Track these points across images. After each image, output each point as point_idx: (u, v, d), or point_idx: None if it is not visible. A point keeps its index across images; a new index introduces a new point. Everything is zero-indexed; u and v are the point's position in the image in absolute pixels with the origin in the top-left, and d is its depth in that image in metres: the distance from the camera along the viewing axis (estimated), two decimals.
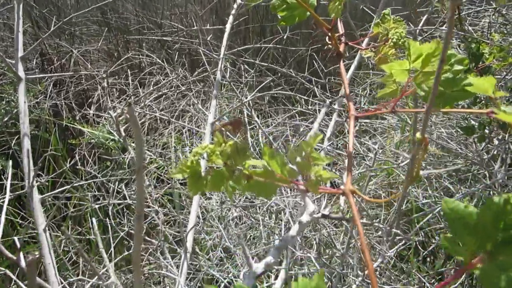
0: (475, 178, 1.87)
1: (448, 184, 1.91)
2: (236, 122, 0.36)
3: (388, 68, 0.40)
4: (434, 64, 0.39)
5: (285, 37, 1.70)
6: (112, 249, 1.28)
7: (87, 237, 1.95)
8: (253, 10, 2.99)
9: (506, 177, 1.49)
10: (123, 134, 1.14)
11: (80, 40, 3.18)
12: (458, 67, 0.40)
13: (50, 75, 2.64)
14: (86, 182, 1.60)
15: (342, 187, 0.49)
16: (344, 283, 1.21)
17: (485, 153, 1.77)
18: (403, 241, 1.02)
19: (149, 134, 2.45)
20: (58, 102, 2.67)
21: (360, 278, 0.93)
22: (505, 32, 1.80)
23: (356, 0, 2.01)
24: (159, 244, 1.50)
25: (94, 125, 2.55)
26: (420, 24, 1.20)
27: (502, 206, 0.32)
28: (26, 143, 0.78)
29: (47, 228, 0.79)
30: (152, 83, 2.58)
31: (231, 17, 1.11)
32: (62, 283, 0.78)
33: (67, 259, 1.85)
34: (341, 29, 0.60)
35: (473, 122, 1.61)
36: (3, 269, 0.73)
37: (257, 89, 1.60)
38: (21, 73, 0.85)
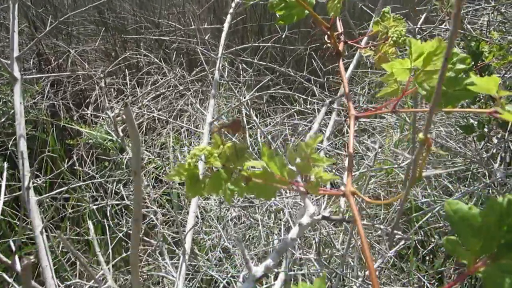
0: (474, 176, 1.86)
1: (447, 183, 1.90)
2: (235, 124, 0.35)
3: (389, 67, 0.40)
4: (435, 63, 0.38)
5: (283, 36, 1.69)
6: (110, 250, 1.27)
7: (86, 237, 1.94)
8: (251, 9, 2.99)
9: (505, 176, 1.49)
10: (121, 134, 1.13)
11: (77, 40, 3.17)
12: (460, 66, 0.39)
13: (47, 75, 2.63)
14: (84, 183, 1.59)
15: (342, 188, 0.48)
16: (344, 283, 1.21)
17: (484, 152, 1.76)
18: (400, 238, 1.01)
19: (147, 134, 2.44)
20: (55, 102, 2.65)
21: (360, 279, 0.92)
22: (504, 30, 1.79)
23: None
24: (158, 244, 1.49)
25: (92, 125, 2.54)
26: (419, 23, 1.19)
27: (506, 208, 0.31)
28: (22, 145, 0.77)
29: (44, 230, 0.79)
30: (150, 83, 2.57)
31: (229, 16, 1.11)
32: (59, 286, 0.77)
33: (66, 260, 1.84)
34: (340, 27, 0.59)
35: (472, 121, 1.61)
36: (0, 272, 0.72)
37: (256, 88, 1.59)
38: (17, 73, 0.84)
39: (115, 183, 1.83)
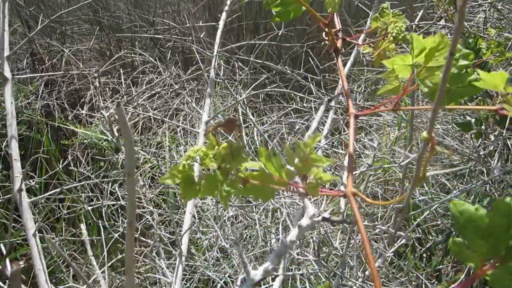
0: (472, 174, 1.86)
1: (444, 180, 1.89)
2: (230, 122, 0.34)
3: (390, 63, 0.38)
4: (438, 59, 0.37)
5: (279, 34, 1.68)
6: (105, 252, 1.26)
7: (82, 238, 1.92)
8: (246, 7, 2.97)
9: (503, 173, 1.48)
10: (116, 134, 1.12)
11: (71, 40, 3.14)
12: (463, 62, 0.38)
13: (39, 74, 2.60)
14: (79, 184, 1.57)
15: (342, 188, 0.47)
16: (342, 282, 1.20)
17: (481, 149, 1.76)
18: (402, 240, 1.00)
19: (143, 133, 2.43)
20: (50, 102, 2.63)
21: (360, 280, 0.91)
22: (501, 27, 1.79)
23: None
24: (154, 245, 1.48)
25: (87, 125, 2.52)
26: (417, 19, 1.18)
27: None
28: (14, 146, 0.76)
29: (39, 231, 0.77)
30: (145, 82, 2.55)
31: (224, 14, 1.09)
32: None
33: (62, 261, 1.82)
34: (338, 24, 0.58)
35: (469, 118, 1.60)
36: None
37: (252, 86, 1.57)
38: (8, 73, 0.83)
39: (110, 184, 1.82)
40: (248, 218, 1.68)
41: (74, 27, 3.22)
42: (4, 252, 0.59)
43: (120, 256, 1.56)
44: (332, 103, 0.83)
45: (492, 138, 1.76)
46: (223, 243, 1.54)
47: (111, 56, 2.83)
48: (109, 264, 1.39)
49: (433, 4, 1.65)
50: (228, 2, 1.17)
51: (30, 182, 1.65)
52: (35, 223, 0.78)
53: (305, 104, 2.03)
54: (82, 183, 1.73)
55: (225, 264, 1.60)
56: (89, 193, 1.95)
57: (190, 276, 1.61)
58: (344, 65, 1.07)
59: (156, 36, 2.59)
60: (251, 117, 1.58)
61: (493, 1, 1.65)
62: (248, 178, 0.34)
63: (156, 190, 2.02)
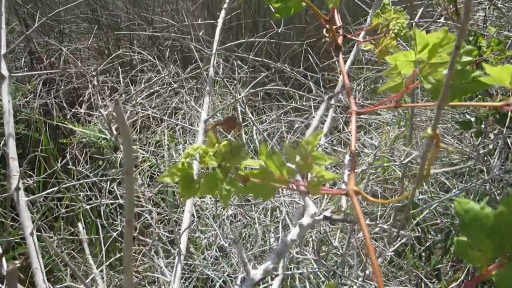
0: (471, 173, 1.85)
1: (444, 179, 1.89)
2: (230, 120, 0.33)
3: (393, 59, 0.38)
4: (441, 55, 0.36)
5: (278, 32, 1.67)
6: (103, 251, 1.25)
7: (80, 237, 1.92)
8: (245, 5, 2.96)
9: (504, 172, 1.48)
10: (115, 132, 1.11)
11: (69, 38, 3.13)
12: (466, 58, 0.37)
13: (37, 72, 2.59)
14: (77, 182, 1.56)
15: (343, 186, 0.46)
16: (341, 281, 1.19)
17: (481, 148, 1.75)
18: (404, 239, 1.00)
19: (141, 132, 2.42)
20: (48, 101, 2.62)
21: (360, 279, 0.91)
22: (501, 25, 1.78)
23: None
24: (153, 244, 1.47)
25: (85, 124, 2.51)
26: (417, 17, 1.17)
27: None
28: (12, 144, 0.75)
29: (37, 230, 0.76)
30: (143, 81, 2.54)
31: (223, 12, 1.08)
32: None
33: (60, 260, 1.81)
34: (338, 21, 0.57)
35: (468, 117, 1.60)
36: None
37: (251, 85, 1.57)
38: (4, 71, 0.82)
39: (109, 182, 1.81)
40: (247, 217, 1.67)
41: (72, 25, 3.20)
42: (1, 251, 0.58)
43: (118, 255, 1.56)
44: (332, 101, 0.82)
45: (492, 136, 1.76)
46: (222, 242, 1.54)
47: (110, 55, 2.82)
48: (107, 263, 1.38)
49: (431, 3, 1.65)
50: (227, 0, 1.17)
51: (28, 181, 1.65)
52: (32, 222, 0.77)
53: (304, 103, 2.03)
54: (81, 181, 1.73)
55: (224, 263, 1.59)
56: (87, 192, 1.94)
57: (189, 275, 1.60)
58: (344, 63, 1.06)
59: (154, 34, 2.58)
60: (250, 115, 1.57)
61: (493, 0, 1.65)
62: (248, 176, 0.34)
63: (155, 189, 2.01)
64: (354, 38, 0.56)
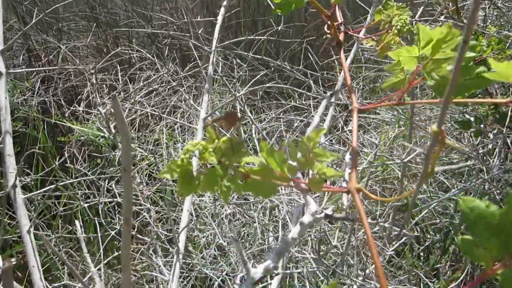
0: (471, 172, 1.85)
1: (443, 179, 1.89)
2: (231, 116, 0.33)
3: (396, 54, 0.37)
4: (445, 51, 0.36)
5: (278, 31, 1.66)
6: (101, 250, 1.24)
7: (78, 236, 1.91)
8: (244, 4, 2.95)
9: (504, 171, 1.47)
10: (113, 130, 1.10)
11: (68, 36, 3.12)
12: (470, 54, 0.37)
13: (34, 69, 2.58)
14: (74, 180, 1.56)
15: (344, 184, 0.46)
16: (340, 280, 1.19)
17: (480, 148, 1.75)
18: (403, 239, 0.99)
19: (140, 130, 2.41)
20: (46, 99, 2.61)
21: (360, 278, 0.90)
22: (501, 24, 1.78)
23: None
24: (151, 242, 1.47)
25: (83, 122, 2.50)
26: (417, 16, 1.17)
27: None
28: (8, 141, 0.74)
29: (34, 228, 0.76)
30: (142, 79, 2.53)
31: (222, 9, 1.08)
32: (48, 287, 0.74)
33: (57, 258, 1.81)
34: (340, 18, 0.57)
35: (468, 117, 1.60)
36: None
37: (250, 83, 1.56)
38: (1, 67, 0.81)
39: (107, 181, 1.80)
40: (246, 216, 1.66)
41: (70, 23, 3.19)
42: None
43: (116, 253, 1.55)
44: (332, 100, 0.81)
45: (491, 136, 1.75)
46: (221, 241, 1.53)
47: (108, 53, 2.81)
48: (105, 262, 1.37)
49: (432, 2, 1.64)
50: None
51: (25, 179, 1.64)
52: (30, 220, 0.77)
53: (303, 102, 2.02)
54: (78, 179, 1.72)
55: (222, 262, 1.58)
56: (85, 190, 1.93)
57: (187, 274, 1.59)
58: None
59: (153, 30, 2.57)
60: (249, 114, 1.57)
61: None
62: (248, 173, 0.33)
63: (153, 187, 2.00)
64: (355, 34, 0.55)
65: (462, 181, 1.83)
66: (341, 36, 0.52)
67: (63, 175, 2.12)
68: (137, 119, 2.44)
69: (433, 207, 1.70)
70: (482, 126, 1.55)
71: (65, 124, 2.45)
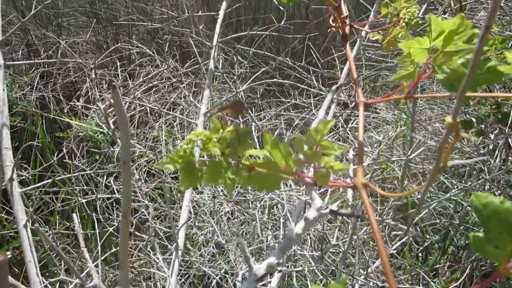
0: (471, 172, 1.84)
1: (443, 179, 1.88)
2: (237, 105, 0.31)
3: (406, 46, 0.36)
4: (457, 43, 0.34)
5: (278, 28, 1.65)
6: (99, 247, 1.23)
7: (74, 231, 1.89)
8: (245, 1, 2.94)
9: (506, 171, 1.47)
10: (112, 126, 1.09)
11: (68, 32, 3.10)
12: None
13: (33, 61, 2.56)
14: (72, 175, 1.54)
15: (348, 180, 0.45)
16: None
17: (481, 148, 1.74)
18: (406, 238, 0.98)
19: (139, 127, 2.40)
20: (45, 94, 2.59)
21: (362, 277, 0.89)
22: (503, 24, 1.77)
23: None
24: (149, 239, 1.45)
25: (82, 118, 2.48)
26: (420, 13, 1.16)
27: None
28: (5, 134, 0.73)
29: (31, 224, 0.74)
30: (142, 75, 2.52)
31: (224, 4, 1.07)
32: (44, 282, 0.73)
33: (55, 254, 1.79)
34: (345, 11, 0.56)
35: (469, 116, 1.59)
36: None
37: (251, 79, 1.55)
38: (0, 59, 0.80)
39: (105, 177, 1.79)
40: (245, 214, 1.65)
41: (70, 19, 3.18)
42: None
43: (114, 249, 1.54)
44: (335, 96, 0.80)
45: (492, 136, 1.75)
46: (220, 238, 1.52)
47: (108, 49, 2.80)
48: (102, 258, 1.36)
49: (433, 1, 1.64)
50: None
51: (23, 174, 1.62)
52: (27, 214, 0.75)
53: (304, 100, 2.01)
54: (75, 174, 1.71)
55: (221, 260, 1.57)
56: (83, 186, 1.92)
57: (185, 272, 1.58)
58: (346, 60, 1.04)
59: (153, 25, 2.55)
60: (249, 112, 1.55)
61: None
62: (253, 166, 0.32)
63: (152, 184, 1.99)
64: (360, 28, 0.54)
65: (462, 182, 1.82)
66: (347, 29, 0.51)
67: (61, 171, 2.11)
68: (136, 116, 2.42)
69: (432, 207, 1.69)
70: (483, 126, 1.54)
71: (63, 119, 2.43)
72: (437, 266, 1.77)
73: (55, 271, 1.77)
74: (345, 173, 0.54)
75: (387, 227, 1.27)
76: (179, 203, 1.81)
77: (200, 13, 1.90)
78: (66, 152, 2.18)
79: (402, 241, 0.99)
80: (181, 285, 1.54)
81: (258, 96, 2.51)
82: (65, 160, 2.05)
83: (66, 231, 1.93)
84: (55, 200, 1.97)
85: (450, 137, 0.28)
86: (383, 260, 0.31)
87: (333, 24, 0.52)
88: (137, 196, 1.68)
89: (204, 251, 1.61)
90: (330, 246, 1.30)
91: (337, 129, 2.08)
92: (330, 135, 1.95)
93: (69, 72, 2.76)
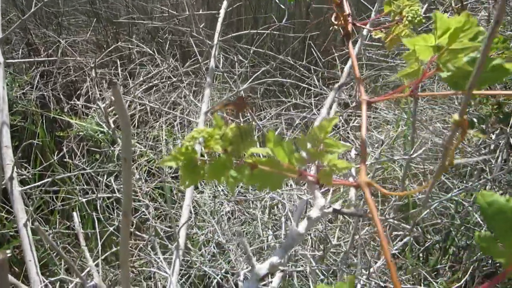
0: (471, 173, 1.84)
1: (444, 179, 1.87)
2: (240, 102, 0.31)
3: (411, 43, 0.35)
4: (462, 40, 0.34)
5: (279, 27, 1.65)
6: (99, 246, 1.23)
7: (75, 230, 1.89)
8: (246, 1, 2.94)
9: (508, 171, 1.46)
10: (112, 125, 1.08)
11: (68, 31, 3.10)
12: None
13: (32, 59, 2.56)
14: (72, 174, 1.54)
15: (350, 179, 0.44)
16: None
17: (482, 148, 1.74)
18: (407, 238, 0.98)
19: (139, 127, 2.39)
20: (45, 93, 2.59)
21: (364, 277, 0.89)
22: (504, 24, 1.77)
23: None
24: (150, 239, 1.45)
25: (82, 117, 2.48)
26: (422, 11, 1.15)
27: None
28: (5, 132, 0.73)
29: (31, 223, 0.74)
30: (142, 74, 2.51)
31: (225, 2, 1.06)
32: (44, 281, 0.73)
33: (55, 253, 1.79)
34: (347, 8, 0.55)
35: (469, 116, 1.58)
36: None
37: (252, 78, 1.55)
38: None
39: (105, 176, 1.79)
40: (246, 214, 1.65)
41: (70, 18, 3.17)
42: None
43: (114, 249, 1.53)
44: (335, 94, 0.80)
45: (493, 137, 1.74)
46: (220, 238, 1.51)
47: (108, 48, 2.80)
48: (103, 257, 1.36)
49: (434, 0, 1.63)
50: None
51: (23, 172, 1.62)
52: (27, 213, 0.75)
53: (304, 99, 2.01)
54: (76, 173, 1.70)
55: (221, 260, 1.57)
56: (84, 185, 1.91)
57: (185, 271, 1.58)
58: (347, 59, 1.04)
59: (154, 24, 2.55)
60: (250, 111, 1.55)
61: None
62: (256, 164, 0.31)
63: (152, 183, 1.99)
64: (363, 26, 0.54)
65: (464, 182, 1.81)
66: (350, 27, 0.50)
67: (62, 170, 2.10)
68: (136, 115, 2.42)
69: (433, 207, 1.68)
70: (484, 126, 1.54)
71: (64, 118, 2.43)
72: (438, 266, 1.77)
73: (56, 271, 1.76)
74: (346, 173, 0.54)
75: (387, 226, 1.27)
76: (180, 203, 1.81)
77: (200, 12, 1.89)
78: (66, 151, 2.18)
79: (404, 241, 0.98)
80: (181, 285, 1.54)
81: (259, 95, 2.51)
82: (65, 160, 2.04)
83: (67, 231, 1.92)
84: (55, 199, 1.96)
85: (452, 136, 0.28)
86: (388, 260, 0.30)
87: (336, 22, 0.52)
88: (137, 196, 1.68)
89: (205, 251, 1.61)
90: (331, 246, 1.30)
91: (337, 129, 2.08)
92: (330, 134, 1.95)
93: (69, 71, 2.75)
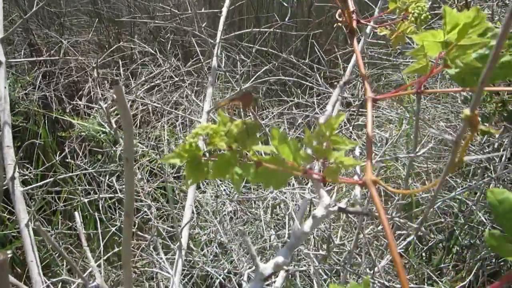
0: (475, 171, 1.83)
1: (447, 178, 1.86)
2: (246, 97, 0.30)
3: (420, 39, 0.35)
4: (471, 36, 0.33)
5: (281, 26, 1.65)
6: (101, 246, 1.22)
7: (77, 230, 1.89)
8: (248, 0, 2.93)
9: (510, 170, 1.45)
10: (114, 125, 1.08)
11: (70, 31, 3.10)
12: (493, 43, 0.35)
13: (34, 59, 2.56)
14: (74, 174, 1.54)
15: (355, 177, 0.44)
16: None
17: (486, 147, 1.73)
18: (412, 237, 0.97)
19: (141, 127, 2.39)
20: (47, 93, 2.59)
21: (369, 276, 0.88)
22: None
23: None
24: (152, 239, 1.45)
25: (84, 117, 2.48)
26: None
27: None
28: (7, 132, 0.72)
29: (32, 223, 0.74)
30: (144, 74, 2.51)
31: (227, 1, 1.06)
32: (46, 282, 0.72)
33: (57, 254, 1.79)
34: (352, 6, 0.55)
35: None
36: None
37: (254, 77, 1.54)
38: (1, 56, 0.79)
39: (107, 176, 1.78)
40: (248, 213, 1.64)
41: (72, 18, 3.18)
42: None
43: (117, 249, 1.53)
44: (339, 92, 0.79)
45: (496, 135, 1.73)
46: (223, 238, 1.51)
47: (110, 48, 2.80)
48: (105, 258, 1.36)
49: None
50: None
51: (25, 173, 1.62)
52: (29, 214, 0.75)
53: (307, 99, 2.00)
54: (77, 173, 1.70)
55: (224, 260, 1.57)
56: (86, 186, 1.91)
57: (188, 272, 1.57)
58: (349, 58, 1.03)
59: (156, 24, 2.54)
60: (252, 110, 1.54)
61: None
62: (261, 161, 0.31)
63: (154, 184, 1.99)
64: (367, 23, 0.53)
65: (467, 180, 1.80)
66: (354, 24, 0.50)
67: (64, 170, 2.10)
68: (138, 115, 2.42)
69: (437, 206, 1.68)
70: (487, 124, 1.53)
71: (66, 119, 2.43)
72: (442, 265, 1.76)
73: (57, 271, 1.76)
74: (350, 171, 0.53)
75: (392, 226, 1.26)
76: (182, 203, 1.81)
77: (203, 10, 1.89)
78: (68, 151, 2.18)
79: (408, 239, 0.98)
80: (184, 285, 1.53)
81: (261, 95, 2.50)
82: (67, 160, 2.04)
83: (69, 231, 1.92)
84: (57, 200, 1.96)
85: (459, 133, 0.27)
86: (395, 258, 0.30)
87: (340, 19, 0.51)
88: (139, 196, 1.67)
89: (207, 251, 1.60)
90: (334, 246, 1.29)
91: (339, 128, 2.07)
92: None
93: (71, 72, 2.75)
